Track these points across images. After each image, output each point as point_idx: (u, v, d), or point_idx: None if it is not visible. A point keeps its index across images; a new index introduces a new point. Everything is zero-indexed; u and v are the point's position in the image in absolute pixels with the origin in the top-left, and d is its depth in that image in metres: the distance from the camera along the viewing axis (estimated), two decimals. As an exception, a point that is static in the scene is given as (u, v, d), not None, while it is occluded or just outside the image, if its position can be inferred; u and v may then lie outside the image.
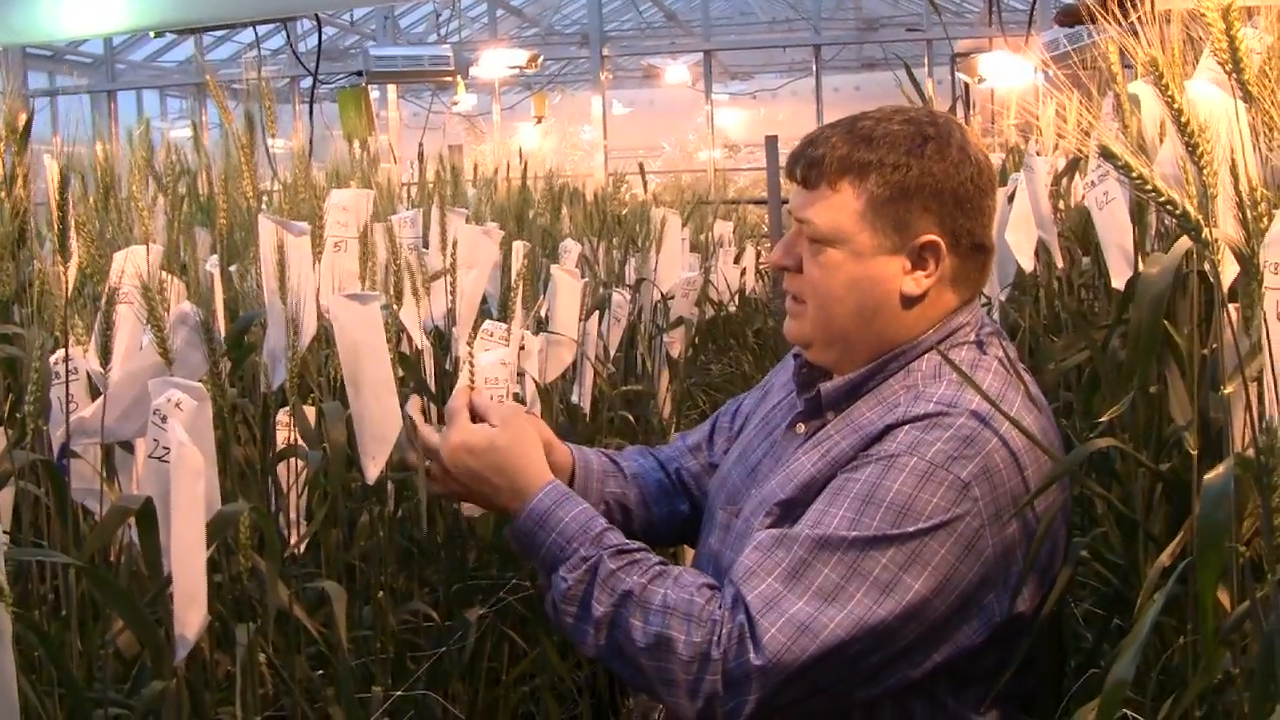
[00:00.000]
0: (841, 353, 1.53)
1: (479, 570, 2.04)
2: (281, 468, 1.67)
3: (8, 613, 0.97)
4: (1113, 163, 0.88)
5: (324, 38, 4.83)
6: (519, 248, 2.02)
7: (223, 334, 1.61)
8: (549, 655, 1.99)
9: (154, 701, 1.23)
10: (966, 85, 6.84)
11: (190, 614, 1.15)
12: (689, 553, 2.76)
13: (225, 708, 1.41)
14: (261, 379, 1.57)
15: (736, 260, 5.19)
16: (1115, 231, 1.72)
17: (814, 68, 11.98)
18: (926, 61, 10.80)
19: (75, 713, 1.24)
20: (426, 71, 6.61)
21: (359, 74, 6.12)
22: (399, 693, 1.57)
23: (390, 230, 1.69)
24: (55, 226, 1.18)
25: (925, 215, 1.47)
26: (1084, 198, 2.23)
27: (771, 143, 6.94)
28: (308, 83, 4.95)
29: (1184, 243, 1.24)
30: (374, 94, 6.86)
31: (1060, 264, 2.23)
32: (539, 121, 11.60)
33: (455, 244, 1.90)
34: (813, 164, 1.49)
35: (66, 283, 1.27)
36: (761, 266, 5.73)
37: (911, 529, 1.35)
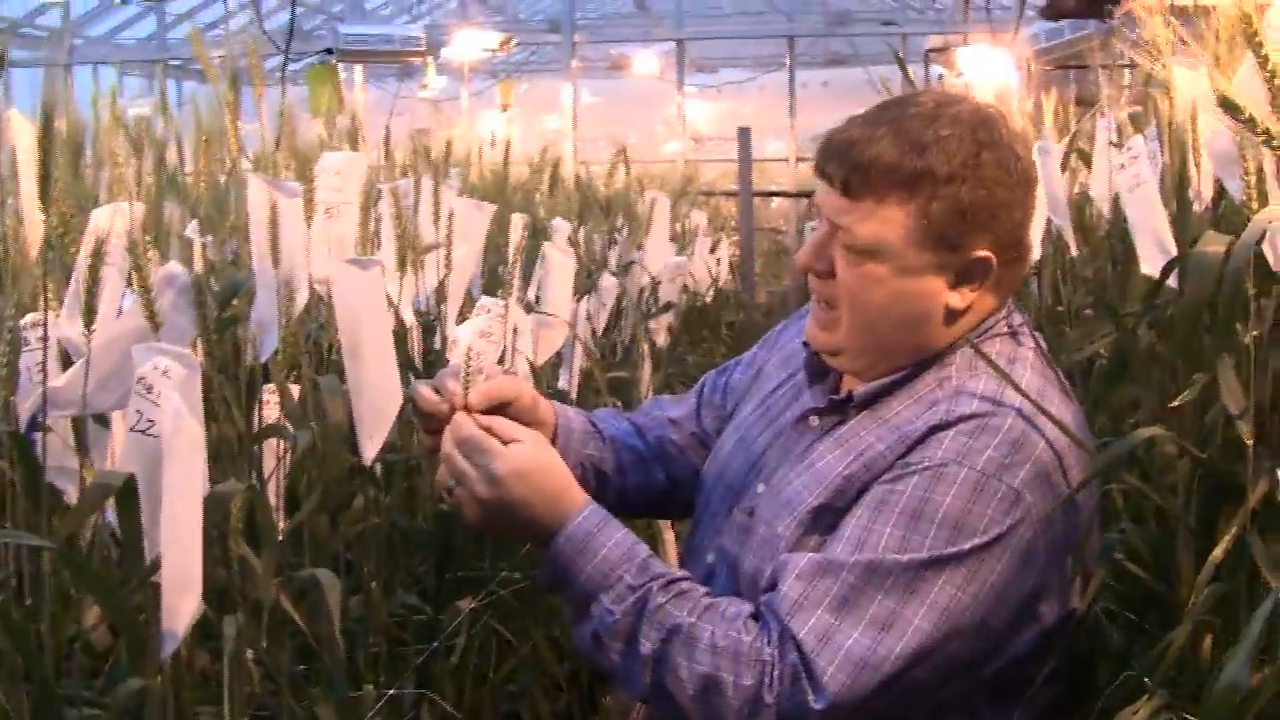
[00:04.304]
0: (875, 361, 1.42)
1: (465, 561, 1.94)
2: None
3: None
4: (1235, 116, 0.79)
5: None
6: (518, 220, 1.91)
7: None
8: (542, 652, 1.88)
9: (133, 700, 1.12)
10: (941, 79, 6.80)
11: (182, 604, 1.04)
12: (663, 526, 2.68)
13: (204, 707, 1.31)
14: (249, 351, 1.45)
15: (712, 250, 5.10)
16: (1147, 215, 1.65)
17: (787, 60, 11.92)
18: (898, 57, 10.78)
19: (43, 711, 1.13)
20: (397, 51, 6.47)
21: (328, 52, 5.98)
22: (392, 691, 1.46)
23: (396, 195, 1.58)
24: (38, 169, 1.06)
25: (980, 234, 1.35)
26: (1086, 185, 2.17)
27: (744, 134, 6.88)
28: (271, 64, 4.83)
29: (1261, 220, 1.16)
30: (341, 75, 6.73)
31: (1075, 249, 2.15)
32: (504, 109, 11.46)
33: (452, 215, 1.79)
34: (856, 169, 1.35)
35: (43, 231, 1.16)
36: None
37: (967, 546, 1.26)
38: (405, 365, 1.97)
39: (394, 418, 1.43)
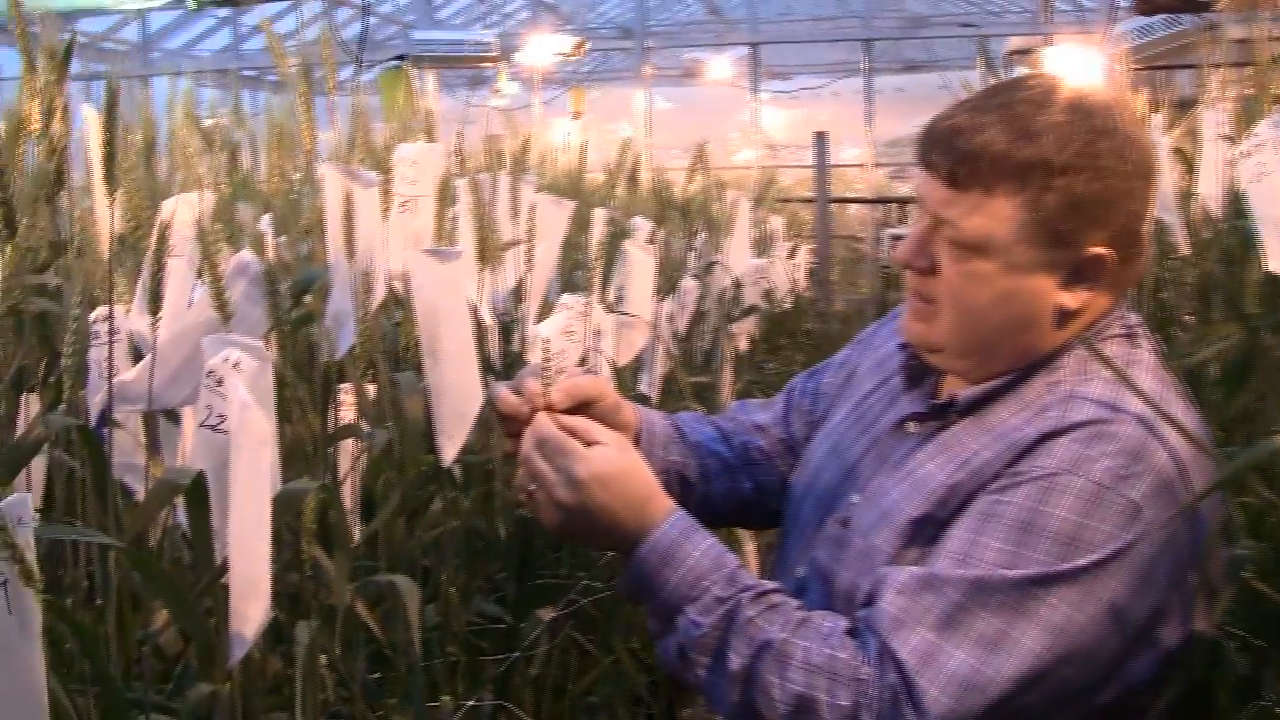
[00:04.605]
0: (978, 363, 1.32)
1: (545, 568, 1.87)
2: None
3: (38, 601, 0.81)
4: None
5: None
6: (600, 215, 1.85)
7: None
8: (624, 664, 1.81)
9: (202, 705, 1.06)
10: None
11: (251, 607, 0.98)
12: (744, 536, 2.59)
13: (276, 714, 1.25)
14: (324, 347, 1.40)
15: (790, 255, 5.02)
16: (1274, 207, 1.55)
17: (862, 65, 11.78)
18: (979, 59, 10.63)
19: (111, 715, 1.08)
20: (469, 56, 6.44)
21: (401, 58, 5.97)
22: (471, 702, 1.39)
23: (476, 186, 1.52)
24: (102, 150, 1.01)
25: (1096, 229, 1.25)
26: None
27: (820, 139, 6.78)
28: (344, 74, 4.83)
29: None
30: (413, 84, 6.74)
31: (1185, 249, 2.04)
32: (576, 117, 11.42)
33: (533, 210, 1.73)
34: (964, 160, 1.26)
35: (111, 220, 1.11)
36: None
37: (1082, 562, 1.16)
38: (483, 366, 1.91)
39: (474, 418, 1.36)
